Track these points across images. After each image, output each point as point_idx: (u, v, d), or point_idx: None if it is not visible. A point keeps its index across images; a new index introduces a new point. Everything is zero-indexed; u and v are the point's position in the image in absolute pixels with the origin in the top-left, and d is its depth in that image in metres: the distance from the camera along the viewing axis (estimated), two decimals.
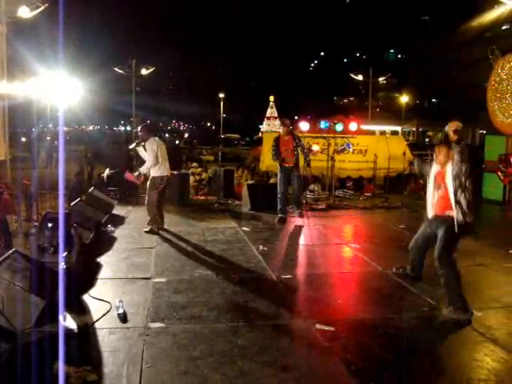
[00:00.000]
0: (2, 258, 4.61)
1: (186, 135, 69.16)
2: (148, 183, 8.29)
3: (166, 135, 52.71)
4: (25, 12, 14.28)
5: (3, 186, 11.55)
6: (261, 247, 7.44)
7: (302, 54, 78.82)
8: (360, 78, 36.21)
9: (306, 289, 5.81)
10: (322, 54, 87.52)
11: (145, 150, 8.13)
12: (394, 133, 43.53)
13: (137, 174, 8.32)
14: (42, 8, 14.59)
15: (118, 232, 8.39)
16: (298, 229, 9.41)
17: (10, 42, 14.29)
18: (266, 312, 4.87)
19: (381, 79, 38.52)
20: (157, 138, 8.40)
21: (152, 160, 8.06)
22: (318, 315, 4.78)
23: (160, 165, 8.17)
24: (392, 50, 78.50)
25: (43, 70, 14.44)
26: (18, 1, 14.38)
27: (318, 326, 4.51)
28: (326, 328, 4.47)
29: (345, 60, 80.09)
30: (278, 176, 9.95)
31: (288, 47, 73.89)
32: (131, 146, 8.67)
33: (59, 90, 13.73)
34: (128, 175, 8.56)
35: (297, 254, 7.69)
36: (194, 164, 16.89)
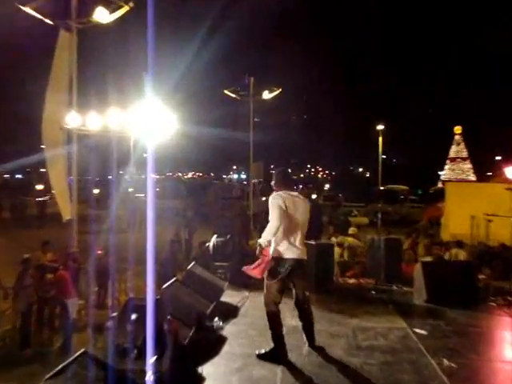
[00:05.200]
0: (67, 362, 4.79)
1: (327, 186, 70.01)
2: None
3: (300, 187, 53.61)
4: (102, 14, 14.02)
5: (66, 258, 11.93)
6: (445, 362, 7.23)
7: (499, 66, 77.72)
8: None
9: None
10: None
11: None
12: None
13: (258, 250, 7.25)
14: (126, 9, 14.46)
15: (229, 329, 8.52)
16: (508, 335, 9.07)
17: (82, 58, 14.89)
18: None
19: None
20: (293, 193, 7.43)
21: (276, 223, 7.09)
22: None
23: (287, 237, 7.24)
24: None
25: (125, 98, 15.20)
26: (94, 2, 14.36)
27: None
28: None
29: None
30: None
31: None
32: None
33: (147, 124, 14.38)
34: (247, 268, 7.43)
35: (503, 375, 7.32)
36: (352, 228, 16.99)
